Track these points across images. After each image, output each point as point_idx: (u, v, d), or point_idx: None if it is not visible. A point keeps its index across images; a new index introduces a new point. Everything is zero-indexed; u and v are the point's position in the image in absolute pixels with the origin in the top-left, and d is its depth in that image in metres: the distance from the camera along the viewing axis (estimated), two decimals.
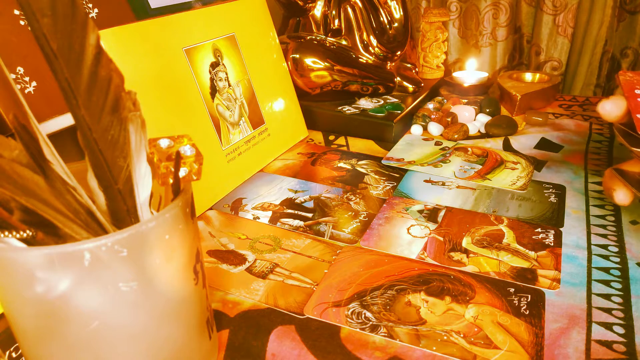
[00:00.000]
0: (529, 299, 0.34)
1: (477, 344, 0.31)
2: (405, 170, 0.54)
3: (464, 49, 0.99)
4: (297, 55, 0.64)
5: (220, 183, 0.50)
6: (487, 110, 0.67)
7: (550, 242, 0.41)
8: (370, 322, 0.33)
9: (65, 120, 0.49)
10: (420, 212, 0.46)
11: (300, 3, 0.67)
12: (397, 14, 0.70)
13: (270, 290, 0.36)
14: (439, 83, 0.79)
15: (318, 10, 0.68)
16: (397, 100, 0.69)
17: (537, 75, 0.75)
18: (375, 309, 0.34)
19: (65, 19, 0.18)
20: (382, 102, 0.68)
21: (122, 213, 0.23)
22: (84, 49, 0.19)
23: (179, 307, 0.24)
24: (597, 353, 0.30)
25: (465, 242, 0.41)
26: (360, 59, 0.68)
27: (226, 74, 0.52)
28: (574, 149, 0.59)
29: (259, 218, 0.46)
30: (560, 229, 0.43)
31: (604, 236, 0.42)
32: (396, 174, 0.54)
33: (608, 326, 0.32)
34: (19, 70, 0.47)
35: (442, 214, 0.45)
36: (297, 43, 0.65)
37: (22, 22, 0.48)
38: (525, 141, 0.61)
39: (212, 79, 0.50)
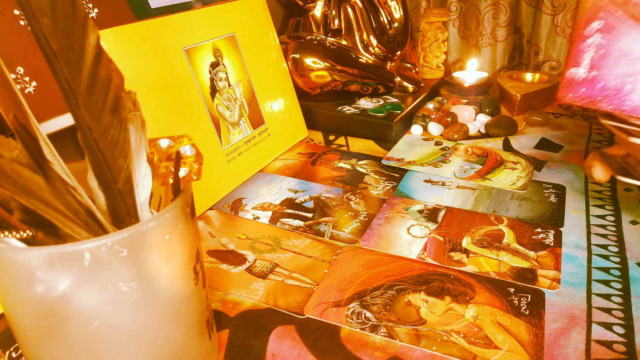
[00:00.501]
0: (529, 299, 0.34)
1: (477, 344, 0.31)
2: (405, 170, 0.54)
3: (464, 49, 0.99)
4: (297, 55, 0.64)
5: (220, 183, 0.50)
6: (487, 110, 0.67)
7: (550, 242, 0.41)
8: (370, 322, 0.33)
9: (65, 120, 0.49)
10: (420, 212, 0.46)
11: (300, 3, 0.67)
12: (397, 14, 0.70)
13: (270, 290, 0.36)
14: (439, 83, 0.79)
15: (318, 10, 0.68)
16: (397, 100, 0.69)
17: (537, 75, 0.75)
18: (375, 309, 0.34)
19: (65, 19, 0.18)
20: (382, 102, 0.68)
21: (122, 213, 0.23)
22: (84, 49, 0.19)
23: (179, 307, 0.24)
24: (597, 353, 0.30)
25: (465, 242, 0.41)
26: (360, 59, 0.68)
27: (226, 74, 0.52)
28: (574, 149, 0.59)
29: (259, 218, 0.46)
30: (560, 229, 0.43)
31: (604, 236, 0.42)
32: (396, 174, 0.54)
33: (608, 326, 0.32)
34: (19, 70, 0.47)
35: (442, 214, 0.45)
36: (297, 43, 0.65)
37: (22, 22, 0.48)
38: (525, 141, 0.61)
39: (212, 79, 0.50)
